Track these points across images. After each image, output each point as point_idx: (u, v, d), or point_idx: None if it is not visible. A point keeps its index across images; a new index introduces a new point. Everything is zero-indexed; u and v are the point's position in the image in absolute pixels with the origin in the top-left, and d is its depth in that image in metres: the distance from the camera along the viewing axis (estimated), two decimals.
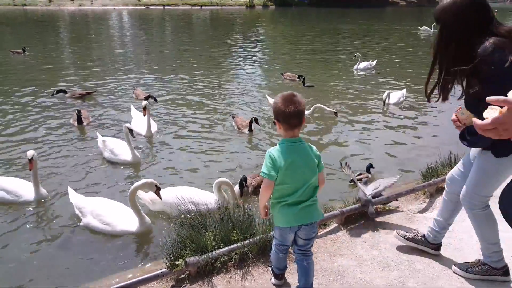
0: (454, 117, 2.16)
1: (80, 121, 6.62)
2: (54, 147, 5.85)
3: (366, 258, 2.80)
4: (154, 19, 33.59)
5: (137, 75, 11.04)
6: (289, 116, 2.05)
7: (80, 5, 42.20)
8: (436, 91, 2.29)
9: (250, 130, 6.38)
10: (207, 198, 4.04)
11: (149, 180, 3.75)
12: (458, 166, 2.55)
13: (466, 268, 2.52)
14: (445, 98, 2.25)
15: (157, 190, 3.75)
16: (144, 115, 6.12)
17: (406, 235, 2.86)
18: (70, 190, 4.12)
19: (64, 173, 5.01)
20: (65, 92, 8.49)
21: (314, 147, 2.17)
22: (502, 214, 1.24)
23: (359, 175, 4.76)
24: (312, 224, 2.19)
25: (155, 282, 2.63)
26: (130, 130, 5.27)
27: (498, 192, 2.98)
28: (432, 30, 21.78)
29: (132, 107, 7.14)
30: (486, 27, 2.02)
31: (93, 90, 8.88)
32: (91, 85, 9.76)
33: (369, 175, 4.82)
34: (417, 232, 2.85)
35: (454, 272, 2.57)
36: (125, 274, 3.08)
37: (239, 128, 6.46)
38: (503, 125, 1.07)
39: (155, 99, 8.11)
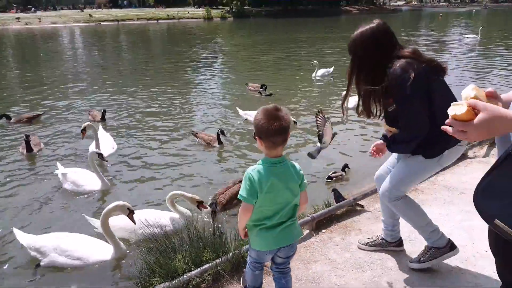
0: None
1: (29, 148, 5.98)
2: (1, 180, 5.21)
3: (340, 262, 2.83)
4: (108, 35, 32.83)
5: (92, 93, 10.57)
6: (273, 134, 1.88)
7: (26, 24, 40.22)
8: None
9: (220, 143, 6.31)
10: (173, 219, 3.88)
11: (120, 203, 3.54)
12: (385, 165, 2.71)
13: (419, 259, 2.60)
14: (368, 116, 2.48)
15: (130, 214, 3.53)
16: (82, 138, 5.77)
17: (367, 242, 2.93)
18: (16, 231, 3.64)
19: (16, 210, 4.46)
20: (8, 117, 7.75)
21: (297, 166, 2.03)
22: (477, 210, 1.26)
23: (334, 173, 4.95)
24: (293, 244, 2.10)
25: None
26: (100, 155, 4.99)
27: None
28: None
29: (100, 127, 6.81)
30: (392, 51, 2.26)
31: (40, 113, 8.22)
32: (40, 107, 9.12)
33: (343, 174, 4.99)
34: (377, 236, 2.93)
35: (411, 268, 2.63)
36: None
37: (208, 143, 6.32)
38: (475, 129, 1.10)
39: (104, 111, 7.80)
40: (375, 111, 2.45)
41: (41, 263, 3.44)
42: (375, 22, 2.32)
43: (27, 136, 6.07)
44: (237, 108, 7.92)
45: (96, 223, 3.81)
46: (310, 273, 2.74)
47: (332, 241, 3.11)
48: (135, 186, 5.11)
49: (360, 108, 2.49)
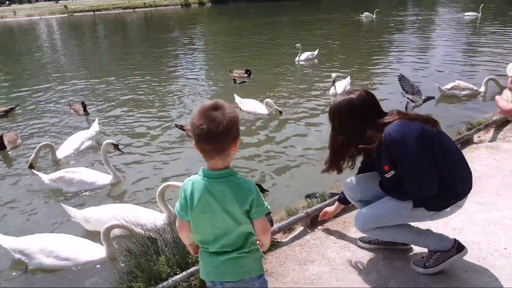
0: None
1: (2, 146, 5.62)
2: None
3: (339, 262, 2.54)
4: (86, 25, 31.73)
5: (71, 86, 10.14)
6: (199, 138, 1.46)
7: (1, 17, 38.77)
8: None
9: None
10: (155, 217, 3.59)
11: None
12: (361, 178, 2.51)
13: (424, 264, 2.33)
14: (339, 171, 2.38)
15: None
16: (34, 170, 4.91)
17: (370, 240, 2.63)
18: None
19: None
20: None
21: (249, 184, 1.54)
22: None
23: None
24: (244, 281, 1.62)
25: None
26: (116, 145, 4.70)
27: None
28: (374, 16, 22.17)
29: (96, 121, 6.33)
30: (372, 123, 2.15)
31: (14, 105, 7.93)
32: (15, 100, 8.81)
33: None
34: None
35: (415, 270, 2.36)
36: None
37: None
38: None
39: (83, 103, 7.40)
40: (345, 166, 2.38)
41: (29, 267, 3.29)
42: (356, 93, 2.19)
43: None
44: (234, 95, 7.53)
45: (72, 211, 3.72)
46: (307, 275, 2.45)
47: (330, 238, 2.82)
48: (139, 181, 4.86)
49: (328, 166, 2.38)
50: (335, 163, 2.34)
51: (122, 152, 5.01)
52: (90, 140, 5.89)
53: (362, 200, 2.48)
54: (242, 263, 1.60)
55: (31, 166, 5.12)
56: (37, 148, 5.24)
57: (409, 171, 2.07)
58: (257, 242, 1.68)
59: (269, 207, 1.58)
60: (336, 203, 2.85)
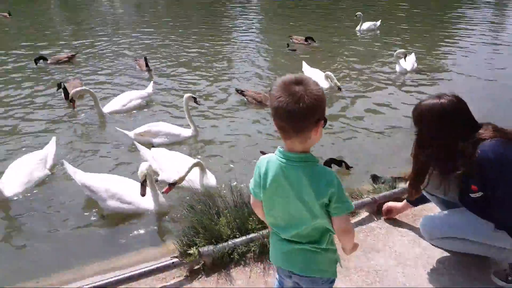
0: None
1: (67, 95, 5.70)
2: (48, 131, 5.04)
3: (408, 257, 2.44)
4: None
5: (129, 39, 10.37)
6: (276, 112, 1.31)
7: None
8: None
9: None
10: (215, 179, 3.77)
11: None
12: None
13: (506, 278, 2.16)
14: (419, 191, 2.26)
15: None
16: (74, 108, 5.43)
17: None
18: (67, 165, 3.66)
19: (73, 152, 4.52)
20: (45, 59, 7.82)
21: (330, 175, 1.37)
22: None
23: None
24: (312, 279, 1.48)
25: (167, 273, 2.37)
26: (195, 98, 4.87)
27: None
28: None
29: (151, 84, 6.15)
30: (466, 133, 1.97)
31: (75, 52, 8.34)
32: (74, 47, 9.27)
33: None
34: None
35: (495, 283, 2.19)
36: (136, 257, 2.85)
37: (259, 102, 5.67)
38: None
39: (146, 58, 7.46)
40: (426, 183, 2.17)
41: (104, 212, 3.45)
42: (446, 98, 1.98)
43: (60, 85, 6.09)
44: (303, 62, 7.23)
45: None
46: (372, 265, 2.38)
47: (397, 230, 2.70)
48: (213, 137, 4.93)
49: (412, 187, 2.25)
50: (419, 182, 2.17)
51: (199, 105, 5.18)
52: (140, 99, 5.83)
53: (437, 196, 2.32)
54: (316, 259, 1.46)
55: (72, 100, 5.34)
56: (78, 89, 5.43)
57: (503, 197, 1.94)
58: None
59: (352, 205, 1.43)
60: (405, 201, 2.70)
